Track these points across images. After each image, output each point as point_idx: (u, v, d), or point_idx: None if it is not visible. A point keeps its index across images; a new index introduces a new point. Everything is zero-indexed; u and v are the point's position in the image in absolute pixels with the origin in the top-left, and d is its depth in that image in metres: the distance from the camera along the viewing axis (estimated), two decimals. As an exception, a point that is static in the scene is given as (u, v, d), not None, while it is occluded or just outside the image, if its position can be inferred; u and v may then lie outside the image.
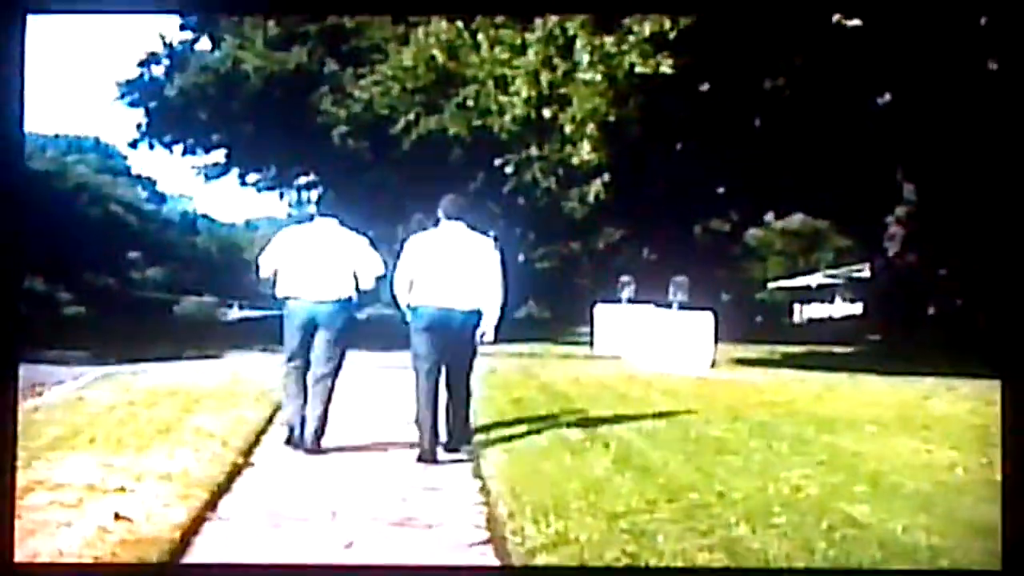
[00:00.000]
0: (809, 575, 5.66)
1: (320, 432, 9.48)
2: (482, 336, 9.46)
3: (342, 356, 9.70)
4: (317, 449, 9.40)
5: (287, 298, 9.69)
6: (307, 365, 9.61)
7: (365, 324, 11.31)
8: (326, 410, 9.55)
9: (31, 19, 5.25)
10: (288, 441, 9.55)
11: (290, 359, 9.69)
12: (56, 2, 5.71)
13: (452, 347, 9.43)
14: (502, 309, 9.57)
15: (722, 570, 5.59)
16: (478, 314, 9.41)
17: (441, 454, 9.28)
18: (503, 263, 9.66)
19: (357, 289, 9.68)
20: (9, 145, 5.23)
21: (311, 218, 10.06)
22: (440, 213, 9.61)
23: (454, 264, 9.43)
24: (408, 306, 9.46)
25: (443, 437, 9.44)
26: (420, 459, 9.14)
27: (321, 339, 9.58)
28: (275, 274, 9.75)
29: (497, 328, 9.49)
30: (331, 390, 9.61)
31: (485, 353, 9.95)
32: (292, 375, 9.66)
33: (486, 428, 10.27)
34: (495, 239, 9.91)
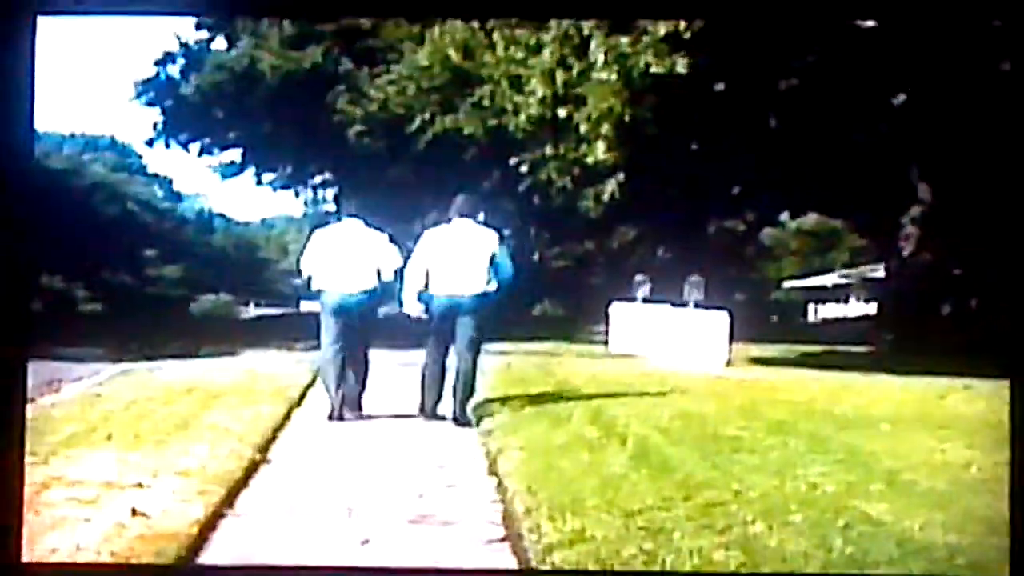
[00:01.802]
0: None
1: (359, 398, 11.14)
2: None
3: (370, 337, 11.31)
4: (359, 413, 11.04)
5: (321, 291, 11.26)
6: (342, 347, 11.09)
7: (380, 322, 11.67)
8: (365, 379, 11.20)
9: (42, 20, 5.27)
10: (330, 416, 10.93)
11: (327, 343, 11.18)
12: (66, 3, 5.72)
13: (461, 330, 10.97)
14: (511, 297, 11.21)
15: (734, 574, 5.58)
16: (484, 299, 10.90)
17: (449, 422, 10.86)
18: (512, 255, 11.24)
19: (380, 281, 11.10)
20: (19, 145, 5.25)
21: (338, 218, 11.62)
22: (452, 212, 11.13)
23: (461, 256, 10.98)
24: (422, 295, 11.01)
25: (449, 412, 11.00)
26: (421, 412, 11.03)
27: (352, 324, 11.10)
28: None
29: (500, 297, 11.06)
30: (366, 364, 11.22)
31: (503, 351, 10.21)
32: (330, 357, 11.14)
33: (502, 425, 10.33)
34: (501, 234, 11.24)
